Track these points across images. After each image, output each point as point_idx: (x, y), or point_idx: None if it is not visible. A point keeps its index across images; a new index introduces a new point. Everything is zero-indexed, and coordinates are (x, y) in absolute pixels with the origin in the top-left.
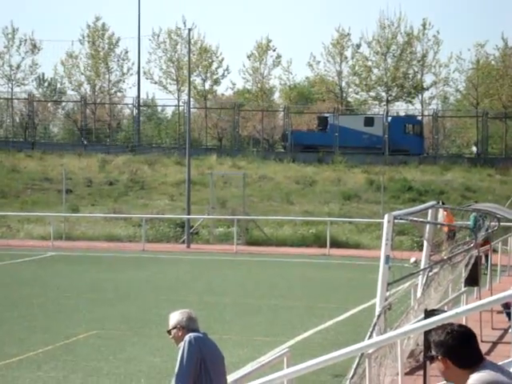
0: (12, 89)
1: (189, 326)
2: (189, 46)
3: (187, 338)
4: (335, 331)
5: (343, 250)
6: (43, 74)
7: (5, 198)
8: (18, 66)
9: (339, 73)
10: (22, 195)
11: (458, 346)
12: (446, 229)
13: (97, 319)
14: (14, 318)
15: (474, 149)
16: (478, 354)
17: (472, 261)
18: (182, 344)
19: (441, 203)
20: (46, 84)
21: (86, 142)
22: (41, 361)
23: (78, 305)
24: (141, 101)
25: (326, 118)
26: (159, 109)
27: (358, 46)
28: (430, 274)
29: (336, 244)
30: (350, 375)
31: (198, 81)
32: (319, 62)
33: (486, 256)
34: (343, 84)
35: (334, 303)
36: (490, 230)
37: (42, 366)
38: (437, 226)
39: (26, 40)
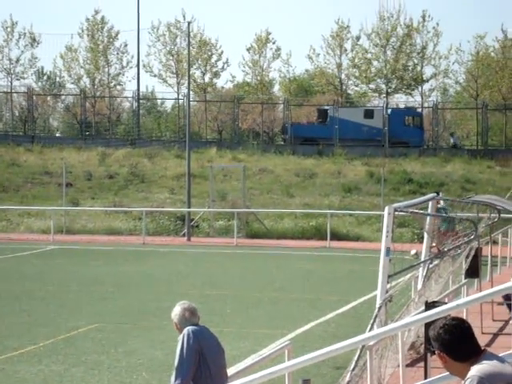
0: (11, 82)
1: (185, 322)
2: (188, 38)
3: (185, 331)
4: (336, 323)
5: (343, 243)
6: (42, 68)
7: (5, 191)
8: (18, 60)
9: (339, 65)
10: (22, 189)
11: (452, 340)
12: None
13: (97, 312)
14: (14, 311)
15: (452, 140)
16: (474, 346)
17: (472, 252)
18: (180, 337)
19: (441, 194)
20: (45, 77)
21: (57, 134)
22: (42, 354)
23: (79, 298)
24: (140, 94)
25: (326, 110)
26: (159, 102)
27: (358, 38)
28: (431, 265)
29: (336, 236)
30: (351, 367)
31: (197, 74)
32: (319, 54)
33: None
34: (343, 76)
35: (335, 295)
36: (490, 222)
37: (43, 360)
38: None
39: (25, 33)
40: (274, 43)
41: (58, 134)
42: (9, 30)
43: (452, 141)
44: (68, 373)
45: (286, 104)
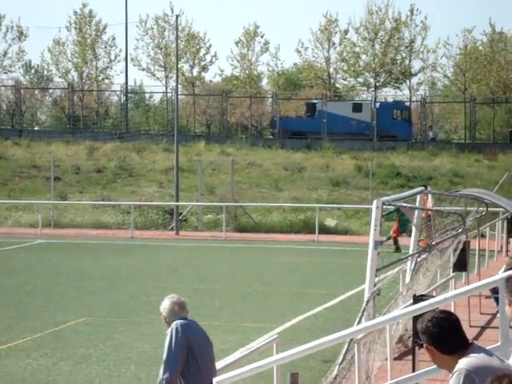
0: None
1: (174, 316)
2: (176, 32)
3: (174, 325)
4: (324, 317)
5: (332, 236)
6: (30, 61)
7: None
8: (5, 53)
9: (327, 59)
10: (10, 183)
11: (440, 333)
12: (424, 214)
13: (86, 306)
14: (2, 305)
15: (431, 133)
16: (462, 339)
17: (460, 246)
18: (169, 331)
19: (429, 188)
20: (32, 71)
21: (36, 128)
22: (30, 348)
23: (67, 292)
24: (128, 88)
25: (315, 104)
26: (147, 96)
27: (346, 31)
28: (419, 259)
29: (325, 230)
30: (339, 361)
31: (185, 67)
32: (307, 48)
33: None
34: (331, 70)
35: (323, 289)
36: (478, 216)
37: (31, 354)
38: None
39: (12, 27)
40: (262, 37)
41: (36, 128)
42: None
43: (431, 134)
44: (56, 366)
45: (274, 98)
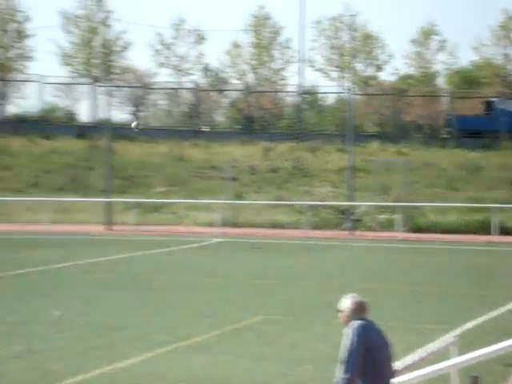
0: (179, 79)
1: (354, 316)
2: (352, 32)
3: (354, 324)
4: (506, 320)
5: None
6: (208, 64)
7: (173, 185)
8: (185, 57)
9: (506, 56)
10: (189, 183)
11: None
12: None
13: (262, 305)
14: (181, 302)
15: None
16: None
17: None
18: (347, 330)
19: None
20: (211, 73)
21: (204, 129)
22: (210, 345)
23: (244, 290)
24: (303, 88)
25: (493, 102)
26: (321, 96)
27: None
28: None
29: (504, 231)
30: None
31: (360, 67)
32: (485, 45)
33: None
34: (511, 67)
35: (503, 291)
36: None
37: (211, 350)
38: None
39: (192, 31)
40: (438, 35)
41: (211, 129)
42: (178, 28)
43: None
44: (234, 363)
45: (450, 96)
